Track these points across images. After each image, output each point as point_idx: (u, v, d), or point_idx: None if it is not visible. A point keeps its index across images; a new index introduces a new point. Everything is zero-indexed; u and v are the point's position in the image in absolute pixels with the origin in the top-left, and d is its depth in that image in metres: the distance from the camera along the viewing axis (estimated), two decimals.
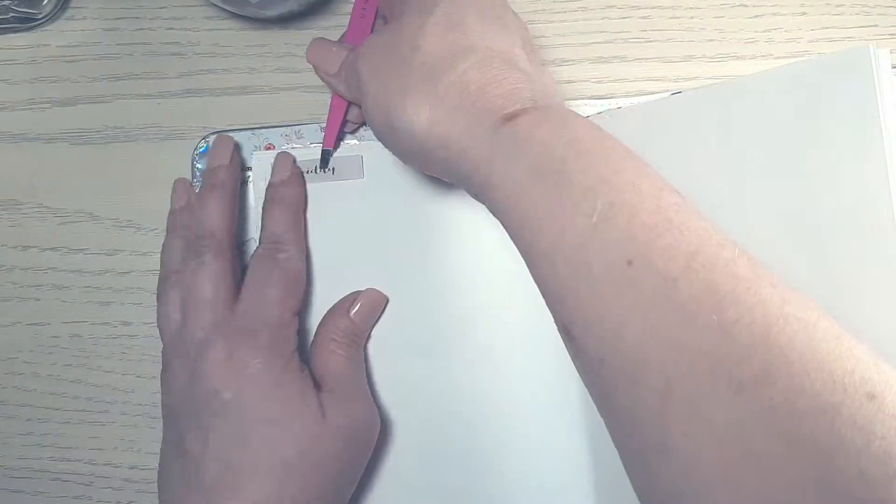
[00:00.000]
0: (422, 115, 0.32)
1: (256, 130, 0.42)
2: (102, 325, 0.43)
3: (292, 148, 0.42)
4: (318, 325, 0.40)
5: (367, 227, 0.41)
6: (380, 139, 0.35)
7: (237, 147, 0.41)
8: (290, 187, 0.40)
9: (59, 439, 0.43)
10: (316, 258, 0.41)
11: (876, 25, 0.42)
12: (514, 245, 0.31)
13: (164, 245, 0.40)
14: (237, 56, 0.44)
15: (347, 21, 0.41)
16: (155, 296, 0.43)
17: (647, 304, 0.26)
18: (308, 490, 0.34)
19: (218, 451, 0.34)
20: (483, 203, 0.32)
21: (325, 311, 0.40)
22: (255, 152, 0.42)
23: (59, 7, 0.44)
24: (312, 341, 0.40)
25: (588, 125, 0.30)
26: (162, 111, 0.44)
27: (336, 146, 0.42)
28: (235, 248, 0.39)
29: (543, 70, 0.35)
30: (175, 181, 0.41)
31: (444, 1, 0.33)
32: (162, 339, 0.39)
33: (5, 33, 0.45)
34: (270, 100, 0.44)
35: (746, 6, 0.43)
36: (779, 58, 0.42)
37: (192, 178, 0.42)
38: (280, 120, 0.43)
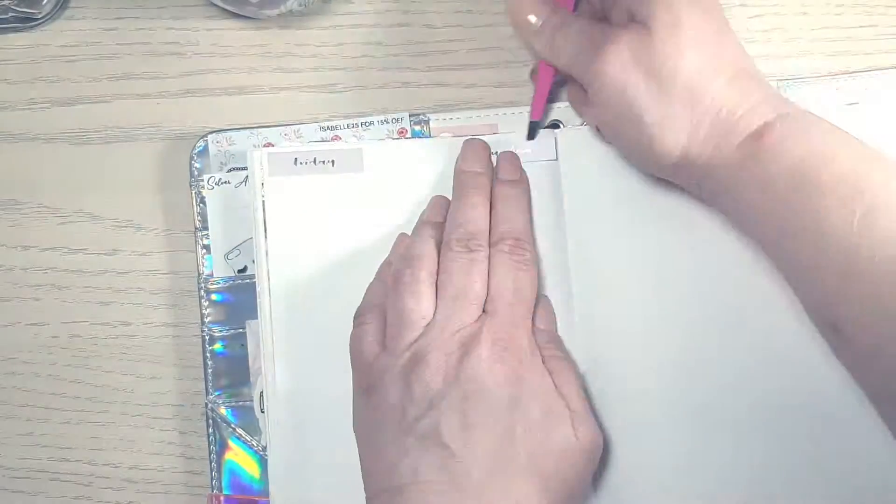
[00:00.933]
0: (679, 145, 0.34)
1: (255, 130, 0.42)
2: (102, 325, 0.43)
3: (290, 146, 0.42)
4: None
5: (364, 221, 0.41)
6: (620, 149, 0.38)
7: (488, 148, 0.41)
8: (522, 187, 0.40)
9: (58, 439, 0.43)
10: (312, 252, 0.41)
11: (876, 26, 0.42)
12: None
13: (417, 239, 0.39)
14: (237, 56, 0.44)
15: (346, 21, 0.41)
16: (154, 295, 0.43)
17: None
18: None
19: (484, 449, 0.33)
20: (721, 210, 0.37)
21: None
22: (250, 150, 0.41)
23: (59, 7, 0.44)
24: None
25: (828, 126, 0.33)
26: (162, 111, 0.44)
27: (544, 119, 0.41)
28: None
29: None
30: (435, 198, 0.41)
31: (687, 12, 0.34)
32: (367, 349, 0.37)
33: (5, 33, 0.45)
34: (270, 100, 0.44)
35: (747, 6, 0.43)
36: (779, 57, 0.42)
37: (191, 178, 0.42)
38: (280, 120, 0.43)
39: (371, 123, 0.42)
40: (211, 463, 0.41)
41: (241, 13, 0.43)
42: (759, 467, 0.38)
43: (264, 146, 0.42)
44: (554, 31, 0.38)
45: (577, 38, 0.37)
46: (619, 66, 0.35)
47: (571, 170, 0.40)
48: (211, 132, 0.43)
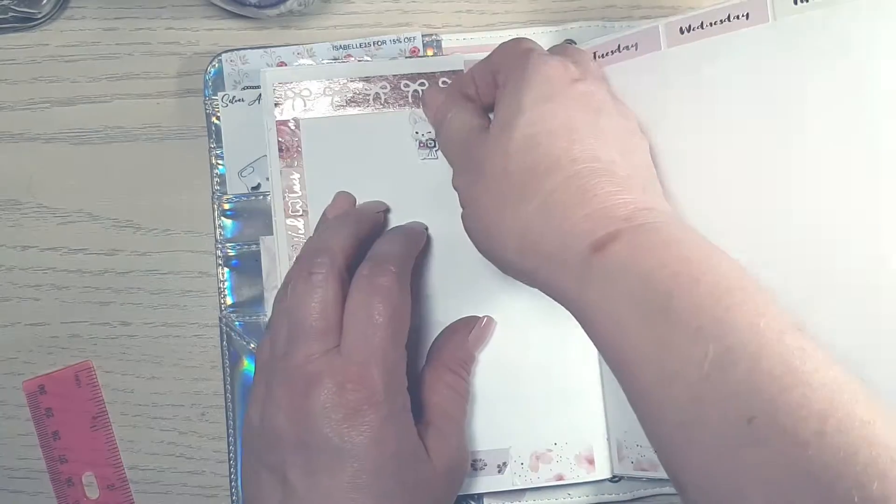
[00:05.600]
0: (510, 247, 0.31)
1: (269, 49, 0.43)
2: (102, 325, 0.43)
3: (301, 64, 0.42)
4: (434, 349, 0.39)
5: (376, 139, 0.41)
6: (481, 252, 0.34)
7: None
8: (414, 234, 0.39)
9: None
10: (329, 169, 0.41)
11: None
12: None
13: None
14: None
15: (346, 21, 0.41)
16: (154, 295, 0.43)
17: (771, 471, 0.22)
18: None
19: (327, 495, 0.31)
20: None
21: (443, 331, 0.39)
22: (263, 70, 0.41)
23: (58, 7, 0.44)
24: (424, 365, 0.39)
25: (694, 240, 0.27)
26: (162, 111, 0.44)
27: None
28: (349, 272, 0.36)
29: (645, 166, 0.32)
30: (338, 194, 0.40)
31: (528, 106, 0.31)
32: (258, 356, 0.36)
33: (5, 33, 0.45)
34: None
35: None
36: None
37: (205, 96, 0.43)
38: None
39: (383, 42, 0.43)
40: (224, 377, 0.42)
41: (241, 13, 0.43)
42: None
43: (277, 65, 0.42)
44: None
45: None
46: (462, 168, 0.35)
47: None
48: (225, 51, 0.43)
